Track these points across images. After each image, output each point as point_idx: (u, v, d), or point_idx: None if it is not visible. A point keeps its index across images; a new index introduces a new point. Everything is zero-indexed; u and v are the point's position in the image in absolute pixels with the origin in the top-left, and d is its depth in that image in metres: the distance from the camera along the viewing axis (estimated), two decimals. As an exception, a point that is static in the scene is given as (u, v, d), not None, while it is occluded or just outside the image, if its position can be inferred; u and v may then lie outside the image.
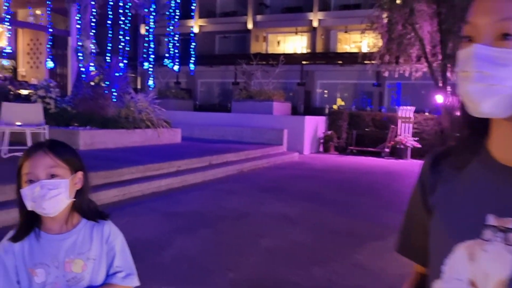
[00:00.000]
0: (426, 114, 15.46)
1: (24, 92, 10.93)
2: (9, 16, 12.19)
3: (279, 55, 21.72)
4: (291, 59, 23.34)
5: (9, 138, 7.30)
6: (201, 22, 28.60)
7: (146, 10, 12.82)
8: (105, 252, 1.45)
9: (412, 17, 13.42)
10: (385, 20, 14.25)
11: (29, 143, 7.28)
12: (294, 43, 28.87)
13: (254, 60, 17.24)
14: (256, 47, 28.05)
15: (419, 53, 13.80)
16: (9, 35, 12.83)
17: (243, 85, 16.71)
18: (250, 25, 28.15)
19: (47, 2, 12.54)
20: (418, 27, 13.45)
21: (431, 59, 13.57)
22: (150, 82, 12.97)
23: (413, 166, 12.16)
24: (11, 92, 10.36)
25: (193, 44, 14.55)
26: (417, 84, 17.37)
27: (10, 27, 12.57)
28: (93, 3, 11.32)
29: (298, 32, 28.15)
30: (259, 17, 28.12)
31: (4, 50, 12.92)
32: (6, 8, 12.01)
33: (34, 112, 7.79)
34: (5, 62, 13.97)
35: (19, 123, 7.44)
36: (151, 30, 12.83)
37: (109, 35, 12.22)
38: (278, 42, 29.52)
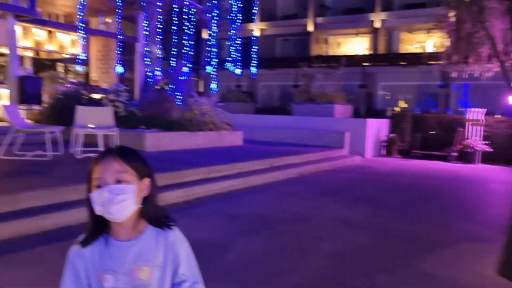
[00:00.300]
0: (497, 116, 14.64)
1: (96, 96, 11.53)
2: (83, 25, 12.99)
3: (339, 57, 21.48)
4: (352, 61, 23.02)
5: (83, 140, 7.74)
6: (262, 25, 28.86)
7: (209, 15, 13.15)
8: (170, 259, 1.45)
9: (482, 15, 12.76)
10: (452, 19, 13.66)
11: (101, 145, 7.68)
12: (355, 44, 28.42)
13: (314, 63, 17.12)
14: (316, 50, 27.91)
15: (490, 52, 13.08)
16: (84, 43, 13.65)
17: (304, 87, 16.61)
18: (310, 28, 28.04)
19: (117, 11, 13.21)
20: (489, 25, 12.75)
21: (503, 58, 12.83)
22: (213, 86, 13.24)
23: (484, 171, 11.57)
24: (84, 97, 10.96)
25: (255, 47, 14.69)
26: (486, 85, 16.48)
27: (84, 35, 13.37)
28: (159, 10, 11.78)
29: (359, 34, 27.69)
30: (319, 19, 27.94)
31: (78, 57, 13.76)
32: (80, 17, 12.81)
33: (105, 115, 8.15)
34: (79, 68, 14.84)
35: (92, 126, 7.85)
36: (214, 34, 13.13)
37: (174, 40, 12.65)
38: (339, 44, 29.15)
